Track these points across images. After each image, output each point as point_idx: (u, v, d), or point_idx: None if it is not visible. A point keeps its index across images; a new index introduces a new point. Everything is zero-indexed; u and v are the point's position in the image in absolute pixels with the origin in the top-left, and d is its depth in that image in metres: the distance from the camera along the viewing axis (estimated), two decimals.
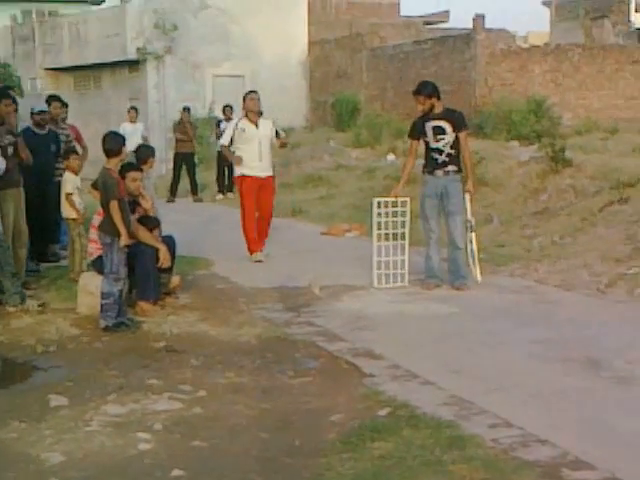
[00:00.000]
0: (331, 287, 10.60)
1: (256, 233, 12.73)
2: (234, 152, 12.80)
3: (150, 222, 9.58)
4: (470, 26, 28.02)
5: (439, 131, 10.36)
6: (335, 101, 30.14)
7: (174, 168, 21.68)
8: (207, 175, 23.21)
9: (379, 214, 10.75)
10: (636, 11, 45.94)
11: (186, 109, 21.96)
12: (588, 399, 6.59)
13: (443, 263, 10.75)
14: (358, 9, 39.46)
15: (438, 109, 10.44)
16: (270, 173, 12.87)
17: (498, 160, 18.02)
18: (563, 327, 8.70)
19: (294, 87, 32.71)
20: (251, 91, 13.23)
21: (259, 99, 12.82)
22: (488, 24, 28.60)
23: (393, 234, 10.87)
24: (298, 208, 17.81)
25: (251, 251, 12.70)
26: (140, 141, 19.34)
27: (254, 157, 12.61)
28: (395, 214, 10.82)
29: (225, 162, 19.98)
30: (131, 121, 21.66)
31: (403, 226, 10.85)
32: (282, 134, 13.17)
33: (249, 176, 12.65)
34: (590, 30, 45.42)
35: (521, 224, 14.25)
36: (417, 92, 10.44)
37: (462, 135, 10.43)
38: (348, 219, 16.06)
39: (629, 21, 44.56)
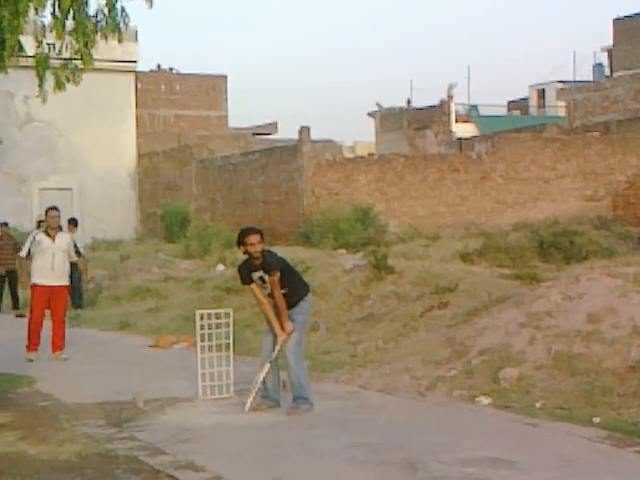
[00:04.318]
0: (156, 400, 10.57)
1: (50, 338, 13.91)
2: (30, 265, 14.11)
3: None
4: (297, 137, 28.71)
5: (262, 281, 10.04)
6: (164, 212, 30.24)
7: None
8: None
9: (202, 326, 10.79)
10: (456, 122, 47.86)
11: (2, 224, 21.66)
12: None
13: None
14: (187, 122, 39.90)
15: (260, 258, 9.98)
16: (63, 283, 14.14)
17: (324, 268, 18.38)
18: (383, 431, 8.88)
19: (123, 199, 32.76)
20: (52, 207, 14.30)
21: (59, 216, 14.27)
22: (316, 135, 29.41)
23: (217, 345, 10.92)
24: (126, 321, 17.70)
25: (29, 350, 13.94)
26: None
27: (47, 267, 13.87)
28: (219, 325, 10.88)
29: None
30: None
31: (228, 337, 10.92)
32: (82, 256, 14.90)
33: (41, 285, 13.94)
34: (413, 140, 47.10)
35: (346, 330, 14.54)
36: (254, 232, 10.01)
37: (271, 279, 9.95)
38: (176, 331, 16.07)
39: (450, 131, 46.33)
